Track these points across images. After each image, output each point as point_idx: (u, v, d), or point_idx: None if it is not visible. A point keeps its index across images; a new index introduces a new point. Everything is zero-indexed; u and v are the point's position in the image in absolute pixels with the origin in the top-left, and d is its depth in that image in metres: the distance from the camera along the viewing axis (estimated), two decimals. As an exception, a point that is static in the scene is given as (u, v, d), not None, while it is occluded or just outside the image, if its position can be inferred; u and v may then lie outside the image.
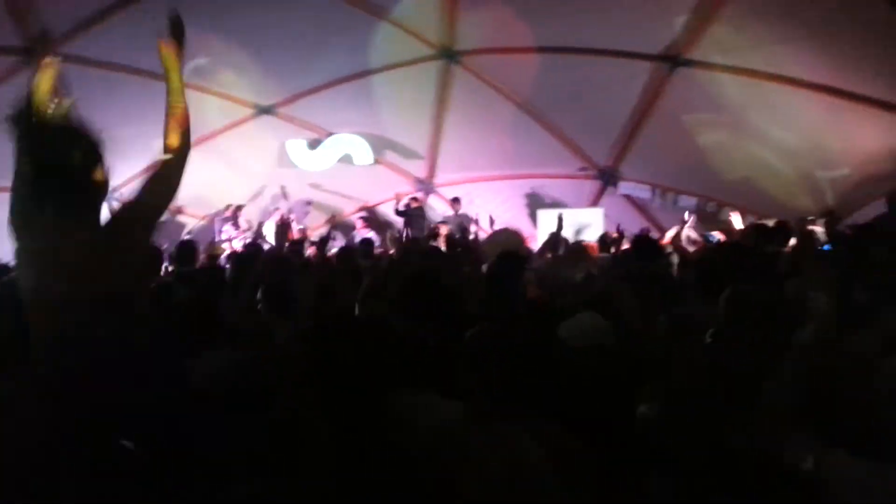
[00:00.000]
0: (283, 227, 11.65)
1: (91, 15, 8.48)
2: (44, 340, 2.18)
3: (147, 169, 2.33)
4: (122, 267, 2.25)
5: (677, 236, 7.52)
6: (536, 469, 1.70)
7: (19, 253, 2.20)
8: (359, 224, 12.57)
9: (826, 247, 5.90)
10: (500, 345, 2.14)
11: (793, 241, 6.00)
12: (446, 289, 3.30)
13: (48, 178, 2.13)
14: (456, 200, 12.42)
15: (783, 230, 5.79)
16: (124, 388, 2.17)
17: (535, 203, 12.92)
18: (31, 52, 8.62)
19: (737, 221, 9.07)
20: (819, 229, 7.92)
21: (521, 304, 3.94)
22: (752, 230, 6.04)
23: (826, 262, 3.64)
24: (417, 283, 3.28)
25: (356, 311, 4.00)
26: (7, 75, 8.77)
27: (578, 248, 6.94)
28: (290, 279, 4.07)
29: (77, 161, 2.18)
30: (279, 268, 4.75)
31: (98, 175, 2.24)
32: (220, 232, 11.36)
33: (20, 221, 2.16)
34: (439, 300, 3.17)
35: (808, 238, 5.91)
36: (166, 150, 2.36)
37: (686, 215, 8.14)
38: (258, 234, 11.64)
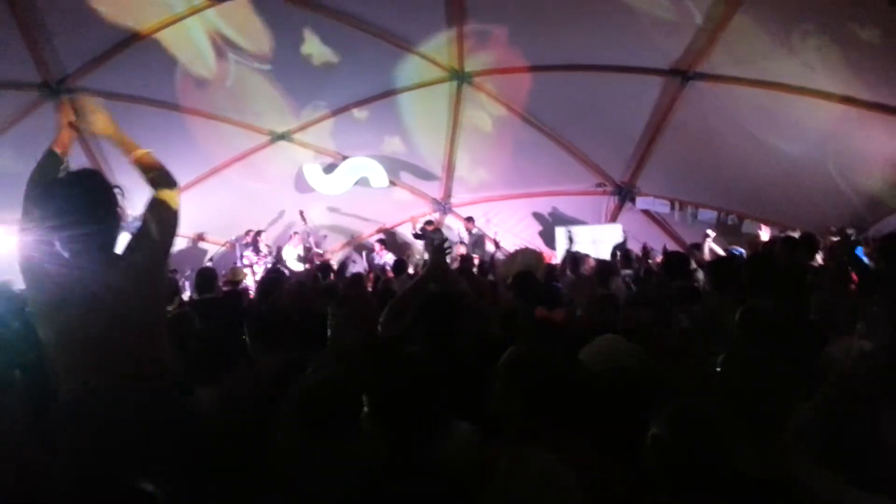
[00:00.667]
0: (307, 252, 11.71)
1: (102, 51, 8.66)
2: (69, 374, 2.25)
3: (146, 206, 2.45)
4: (141, 300, 2.33)
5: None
6: (562, 486, 1.66)
7: (40, 299, 2.29)
8: (377, 247, 12.62)
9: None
10: (536, 368, 2.13)
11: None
12: (470, 311, 3.29)
13: (76, 224, 2.24)
14: (470, 220, 12.42)
15: (809, 242, 5.67)
16: (143, 425, 2.19)
17: (552, 221, 12.88)
18: (49, 86, 8.83)
19: (764, 235, 8.97)
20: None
21: (540, 325, 3.88)
22: (780, 243, 5.92)
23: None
24: (438, 305, 3.26)
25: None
26: (28, 110, 8.98)
27: (605, 267, 6.84)
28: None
29: (95, 208, 2.30)
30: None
31: (113, 218, 2.36)
32: (242, 257, 11.44)
33: (40, 269, 2.26)
34: (462, 322, 3.16)
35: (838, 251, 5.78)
36: (155, 188, 2.47)
37: (708, 231, 8.06)
38: (278, 259, 11.71)
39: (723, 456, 1.75)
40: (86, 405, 2.20)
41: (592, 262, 7.51)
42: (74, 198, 2.28)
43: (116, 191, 2.39)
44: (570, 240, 8.25)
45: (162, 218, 2.42)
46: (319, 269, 8.46)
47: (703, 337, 3.35)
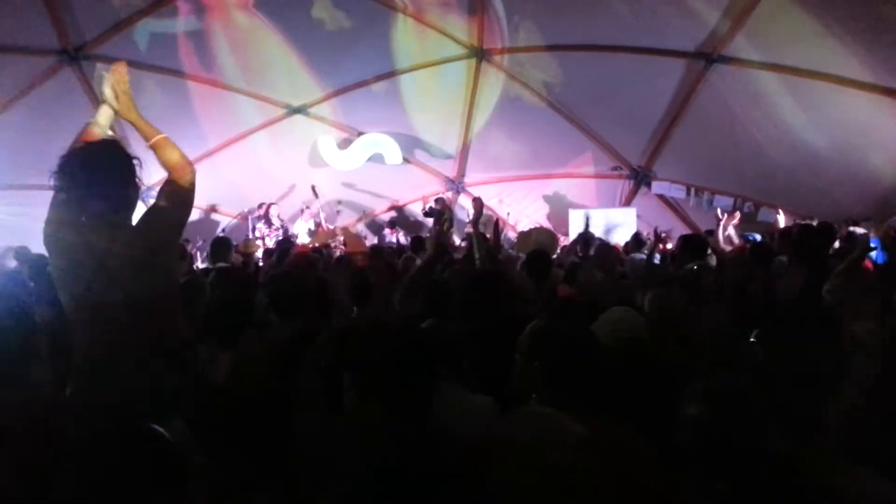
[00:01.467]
0: (317, 227, 11.74)
1: (121, 19, 8.64)
2: (85, 340, 2.32)
3: (163, 182, 2.51)
4: (151, 270, 2.40)
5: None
6: (570, 443, 1.65)
7: (56, 262, 2.36)
8: (387, 229, 12.63)
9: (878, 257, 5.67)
10: (556, 343, 2.15)
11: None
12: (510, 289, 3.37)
13: (89, 190, 2.32)
14: (477, 200, 12.35)
15: (828, 231, 5.58)
16: (153, 383, 2.21)
17: (566, 203, 12.80)
18: (67, 53, 8.83)
19: (782, 222, 8.85)
20: (862, 231, 7.68)
21: (554, 300, 3.88)
22: (797, 230, 5.83)
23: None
24: (484, 284, 3.32)
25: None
26: (48, 75, 8.99)
27: (607, 248, 6.83)
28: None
29: (115, 177, 2.37)
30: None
31: (129, 188, 2.43)
32: (254, 230, 11.47)
33: (60, 230, 2.33)
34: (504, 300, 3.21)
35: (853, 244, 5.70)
36: (168, 175, 2.52)
37: (719, 212, 7.91)
38: (289, 233, 11.72)
39: (758, 437, 1.74)
40: (97, 371, 2.27)
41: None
42: (92, 166, 2.33)
43: (135, 161, 2.43)
44: (587, 223, 8.19)
45: (176, 195, 2.47)
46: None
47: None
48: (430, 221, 12.41)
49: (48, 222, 2.36)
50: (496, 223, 5.74)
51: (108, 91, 2.59)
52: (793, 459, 1.79)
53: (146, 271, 2.37)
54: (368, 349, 2.01)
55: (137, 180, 2.45)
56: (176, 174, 2.48)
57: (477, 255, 4.64)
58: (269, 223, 11.61)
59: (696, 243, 5.28)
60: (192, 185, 2.52)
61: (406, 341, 2.03)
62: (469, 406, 2.42)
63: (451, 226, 10.98)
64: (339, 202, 13.17)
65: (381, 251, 6.47)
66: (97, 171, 2.33)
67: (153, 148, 2.53)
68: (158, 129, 2.54)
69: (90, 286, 2.29)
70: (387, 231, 12.61)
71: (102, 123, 2.63)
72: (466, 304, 3.36)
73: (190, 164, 2.53)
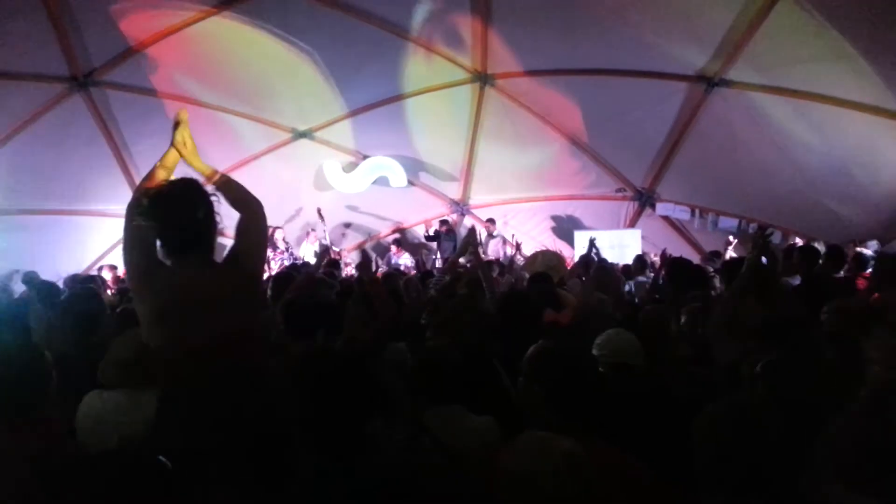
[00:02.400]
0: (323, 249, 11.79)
1: (129, 46, 8.77)
2: (171, 381, 2.33)
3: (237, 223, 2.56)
4: (244, 305, 2.43)
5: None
6: (572, 462, 1.67)
7: (149, 305, 2.37)
8: (393, 248, 12.68)
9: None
10: (555, 364, 2.20)
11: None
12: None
13: (181, 230, 2.37)
14: (491, 221, 12.42)
15: (836, 254, 5.57)
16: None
17: (571, 224, 12.83)
18: (76, 79, 8.97)
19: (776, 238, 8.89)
20: (868, 252, 7.68)
21: (549, 326, 3.91)
22: (798, 252, 5.83)
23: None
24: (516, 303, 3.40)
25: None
26: (56, 102, 9.12)
27: (605, 270, 6.83)
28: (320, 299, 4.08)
29: (200, 218, 2.40)
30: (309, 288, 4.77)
31: (213, 225, 2.47)
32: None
33: (149, 274, 2.37)
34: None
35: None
36: (237, 209, 2.57)
37: (731, 238, 7.96)
38: (294, 255, 11.76)
39: (769, 461, 1.73)
40: (183, 404, 2.28)
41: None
42: (178, 205, 2.37)
43: (213, 198, 2.48)
44: (593, 247, 8.20)
45: (255, 231, 2.54)
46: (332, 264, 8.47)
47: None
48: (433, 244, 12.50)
49: (132, 262, 2.40)
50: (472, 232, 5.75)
51: (178, 137, 2.66)
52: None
53: (234, 310, 2.39)
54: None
55: (217, 217, 2.48)
56: (248, 210, 2.54)
57: (485, 285, 4.66)
58: (274, 246, 11.67)
59: (690, 271, 5.23)
60: (265, 217, 2.59)
61: None
62: (470, 426, 2.45)
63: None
64: (347, 225, 13.26)
65: (392, 277, 6.44)
66: (183, 211, 2.37)
67: (217, 187, 2.59)
68: (216, 170, 2.64)
69: (179, 326, 2.31)
70: (392, 251, 12.64)
71: (168, 166, 2.68)
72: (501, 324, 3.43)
73: (255, 198, 2.59)
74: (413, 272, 9.11)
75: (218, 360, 2.30)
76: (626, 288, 7.70)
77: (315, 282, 5.16)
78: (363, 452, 1.93)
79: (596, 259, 8.09)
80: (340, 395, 1.98)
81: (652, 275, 8.13)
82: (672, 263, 5.67)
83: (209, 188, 2.52)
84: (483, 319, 3.56)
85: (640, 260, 9.26)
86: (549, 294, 5.14)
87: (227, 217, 2.57)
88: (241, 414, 2.19)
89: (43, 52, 8.37)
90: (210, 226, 2.45)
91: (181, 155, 2.68)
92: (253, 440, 2.10)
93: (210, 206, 2.45)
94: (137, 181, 2.55)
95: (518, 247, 11.47)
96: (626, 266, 9.10)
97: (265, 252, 2.63)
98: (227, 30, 8.89)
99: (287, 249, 11.74)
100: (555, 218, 13.09)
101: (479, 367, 2.99)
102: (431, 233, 12.65)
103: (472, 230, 6.17)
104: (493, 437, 2.44)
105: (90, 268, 10.69)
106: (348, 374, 2.05)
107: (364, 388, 2.06)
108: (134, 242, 2.40)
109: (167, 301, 2.33)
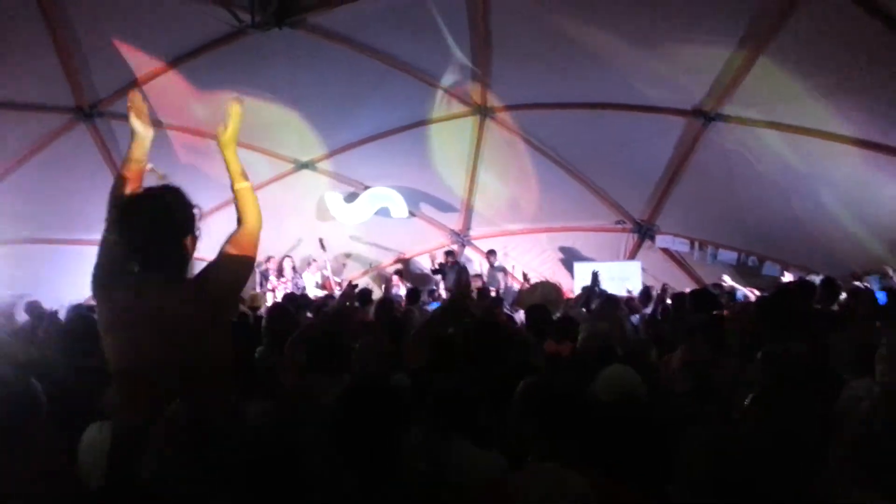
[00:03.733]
0: (324, 279, 11.88)
1: (134, 78, 8.88)
2: (124, 402, 2.19)
3: (228, 239, 2.40)
4: (213, 326, 2.26)
5: None
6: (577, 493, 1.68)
7: (104, 316, 2.22)
8: (394, 278, 12.71)
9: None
10: (546, 397, 2.20)
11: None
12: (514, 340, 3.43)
13: (143, 243, 2.19)
14: (491, 253, 12.47)
15: (830, 287, 5.61)
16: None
17: (571, 256, 12.86)
18: (82, 110, 9.11)
19: (787, 278, 8.92)
20: (865, 285, 7.70)
21: (550, 358, 3.92)
22: (797, 287, 5.87)
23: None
24: (485, 332, 3.39)
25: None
26: (61, 132, 9.23)
27: (612, 302, 6.86)
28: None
29: (176, 231, 2.25)
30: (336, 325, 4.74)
31: (191, 240, 2.32)
32: (262, 282, 11.55)
33: (110, 280, 2.20)
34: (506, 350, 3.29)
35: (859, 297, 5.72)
36: (241, 225, 2.44)
37: (724, 276, 7.99)
38: (299, 284, 11.83)
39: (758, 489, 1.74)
40: (136, 428, 2.08)
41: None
42: (152, 219, 2.21)
43: (195, 211, 2.33)
44: (596, 280, 8.25)
45: (245, 248, 2.37)
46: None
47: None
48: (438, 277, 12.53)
49: (98, 266, 2.23)
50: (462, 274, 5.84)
51: (135, 122, 2.58)
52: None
53: (202, 331, 2.21)
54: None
55: (197, 231, 2.33)
56: (248, 226, 2.40)
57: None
58: (280, 274, 11.76)
59: (706, 297, 5.27)
60: (258, 239, 2.42)
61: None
62: (478, 462, 2.45)
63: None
64: (348, 255, 13.31)
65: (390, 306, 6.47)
66: (158, 225, 2.20)
67: (236, 192, 2.46)
68: (247, 175, 2.50)
69: (138, 344, 2.13)
70: (394, 281, 12.67)
71: (139, 158, 2.57)
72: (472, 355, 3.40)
73: (261, 219, 2.45)
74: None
75: (168, 380, 2.11)
76: (635, 320, 7.73)
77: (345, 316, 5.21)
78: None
79: (598, 291, 8.13)
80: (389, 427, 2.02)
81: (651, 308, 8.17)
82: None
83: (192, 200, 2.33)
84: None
85: (645, 292, 9.30)
86: (550, 324, 5.18)
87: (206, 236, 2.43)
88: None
89: (49, 84, 8.49)
90: (182, 240, 2.27)
91: (220, 142, 2.55)
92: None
93: (187, 220, 2.29)
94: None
95: (526, 277, 11.50)
96: (629, 298, 9.09)
97: (249, 273, 2.42)
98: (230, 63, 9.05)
99: (293, 279, 11.80)
100: (555, 249, 13.13)
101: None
102: (437, 265, 12.72)
103: (462, 271, 6.19)
104: (500, 473, 2.42)
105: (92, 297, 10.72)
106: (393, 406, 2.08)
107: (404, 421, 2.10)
108: (102, 248, 2.25)
109: (119, 314, 2.17)
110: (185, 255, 2.30)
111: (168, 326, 2.14)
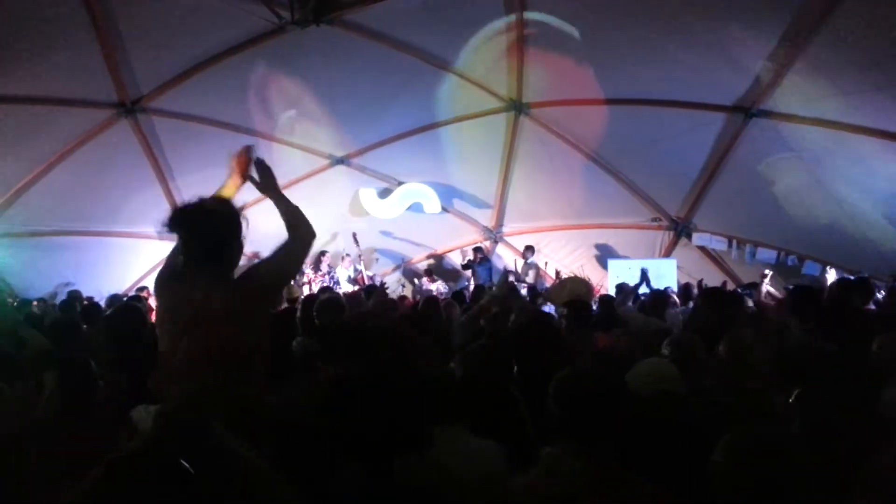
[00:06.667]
0: (357, 274, 12.00)
1: (175, 74, 9.06)
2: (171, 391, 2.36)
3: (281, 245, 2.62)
4: (249, 320, 2.43)
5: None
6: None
7: (160, 310, 2.49)
8: (425, 278, 12.74)
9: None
10: (583, 389, 2.17)
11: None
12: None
13: (196, 241, 2.44)
14: (528, 249, 12.39)
15: (864, 287, 5.46)
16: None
17: (605, 253, 12.74)
18: (124, 105, 9.30)
19: (831, 277, 8.72)
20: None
21: (600, 351, 3.90)
22: (836, 286, 5.73)
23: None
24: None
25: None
26: (103, 127, 9.44)
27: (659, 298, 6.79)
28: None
29: (218, 234, 2.46)
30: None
31: (236, 243, 2.53)
32: (297, 275, 11.69)
33: (168, 279, 2.50)
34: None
35: None
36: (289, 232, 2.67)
37: (766, 271, 7.83)
38: (335, 279, 11.96)
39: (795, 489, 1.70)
40: (176, 415, 2.21)
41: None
42: (199, 217, 2.46)
43: (242, 220, 2.55)
44: (645, 277, 8.16)
45: (290, 250, 2.61)
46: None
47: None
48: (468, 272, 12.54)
49: (162, 269, 2.56)
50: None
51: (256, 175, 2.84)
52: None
53: (240, 325, 2.39)
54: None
55: (243, 238, 2.54)
56: (296, 234, 2.63)
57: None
58: (317, 268, 11.91)
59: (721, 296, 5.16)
60: (309, 245, 2.67)
61: None
62: (471, 449, 2.45)
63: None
64: (380, 251, 13.40)
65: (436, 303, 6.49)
66: (204, 223, 2.44)
67: (275, 199, 2.75)
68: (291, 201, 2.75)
69: (182, 336, 2.35)
70: (424, 280, 12.71)
71: (228, 196, 2.82)
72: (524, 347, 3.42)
73: (310, 227, 2.68)
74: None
75: (208, 367, 2.31)
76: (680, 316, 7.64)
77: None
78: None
79: (647, 287, 8.01)
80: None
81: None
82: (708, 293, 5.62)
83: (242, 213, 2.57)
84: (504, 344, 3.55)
85: (685, 289, 9.20)
86: (603, 318, 5.18)
87: (264, 241, 2.62)
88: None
89: (92, 79, 8.67)
90: (230, 244, 2.50)
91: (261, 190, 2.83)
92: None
93: (235, 225, 2.50)
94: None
95: (558, 274, 11.43)
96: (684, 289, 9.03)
97: (293, 271, 2.75)
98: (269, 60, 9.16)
99: (329, 273, 11.94)
100: (589, 246, 13.02)
101: (495, 391, 2.98)
102: (466, 262, 12.71)
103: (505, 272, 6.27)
104: (496, 463, 2.43)
105: (131, 288, 10.97)
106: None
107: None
108: (168, 255, 2.58)
109: (171, 306, 2.41)
110: (233, 257, 2.53)
111: (212, 317, 2.34)
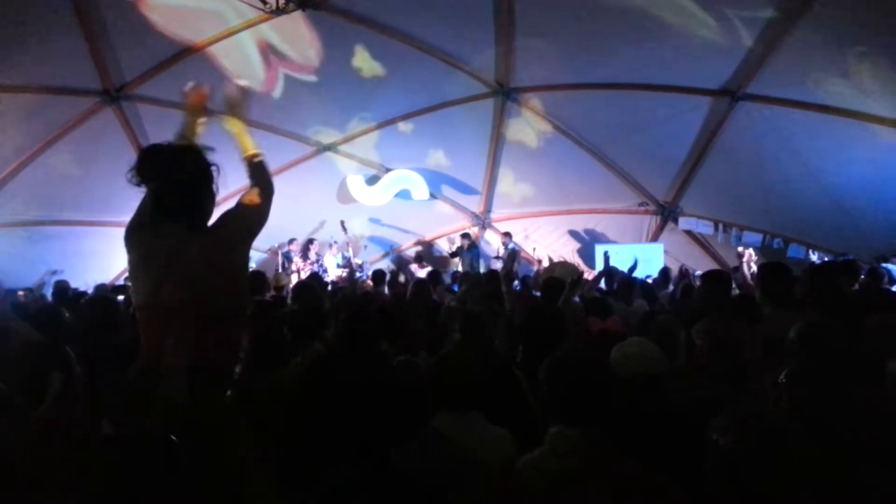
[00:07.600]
0: (345, 261, 11.99)
1: (159, 62, 8.99)
2: (147, 342, 2.31)
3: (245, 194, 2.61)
4: (220, 272, 2.36)
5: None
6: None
7: (132, 264, 2.37)
8: (415, 263, 12.74)
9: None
10: (574, 368, 2.18)
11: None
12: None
13: (168, 188, 2.33)
14: (506, 235, 12.44)
15: (850, 269, 5.53)
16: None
17: (593, 238, 12.80)
18: (108, 93, 9.20)
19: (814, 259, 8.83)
20: (893, 267, 7.59)
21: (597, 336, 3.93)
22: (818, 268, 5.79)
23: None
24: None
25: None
26: (88, 115, 9.35)
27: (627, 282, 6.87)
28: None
29: (190, 173, 2.38)
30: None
31: (208, 192, 2.44)
32: (284, 264, 11.67)
33: (138, 228, 2.36)
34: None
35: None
36: (252, 185, 2.70)
37: (742, 250, 7.80)
38: (323, 267, 11.95)
39: (793, 471, 1.71)
40: (153, 371, 2.22)
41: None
42: (170, 162, 2.35)
43: (213, 168, 2.44)
44: (606, 261, 8.19)
45: (254, 204, 2.58)
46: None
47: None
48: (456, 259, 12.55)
49: (131, 220, 2.39)
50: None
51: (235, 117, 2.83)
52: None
53: (219, 275, 2.33)
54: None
55: (214, 187, 2.45)
56: (261, 187, 2.66)
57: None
58: (305, 257, 11.88)
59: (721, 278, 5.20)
60: (270, 200, 2.66)
61: None
62: (487, 436, 2.48)
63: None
64: (369, 238, 13.37)
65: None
66: (174, 169, 2.33)
67: (246, 161, 2.72)
68: (258, 153, 2.75)
69: (158, 286, 2.25)
70: (414, 266, 12.71)
71: (188, 136, 2.79)
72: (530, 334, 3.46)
73: (272, 186, 2.72)
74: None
75: (184, 320, 2.24)
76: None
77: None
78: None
79: (629, 272, 8.06)
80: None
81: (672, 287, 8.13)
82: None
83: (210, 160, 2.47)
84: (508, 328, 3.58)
85: (664, 274, 9.29)
86: (594, 302, 5.22)
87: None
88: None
89: (76, 67, 8.59)
90: (201, 191, 2.40)
91: (236, 131, 2.84)
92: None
93: (204, 172, 2.40)
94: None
95: (540, 262, 11.48)
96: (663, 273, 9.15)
97: (259, 225, 2.59)
98: (253, 47, 9.09)
99: (317, 261, 11.92)
100: (575, 231, 13.07)
101: (501, 375, 3.02)
102: (454, 249, 12.74)
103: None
104: (507, 450, 2.44)
105: (118, 277, 10.90)
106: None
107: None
108: (137, 207, 2.42)
109: (141, 257, 2.31)
110: (204, 207, 2.43)
111: (185, 268, 2.27)
